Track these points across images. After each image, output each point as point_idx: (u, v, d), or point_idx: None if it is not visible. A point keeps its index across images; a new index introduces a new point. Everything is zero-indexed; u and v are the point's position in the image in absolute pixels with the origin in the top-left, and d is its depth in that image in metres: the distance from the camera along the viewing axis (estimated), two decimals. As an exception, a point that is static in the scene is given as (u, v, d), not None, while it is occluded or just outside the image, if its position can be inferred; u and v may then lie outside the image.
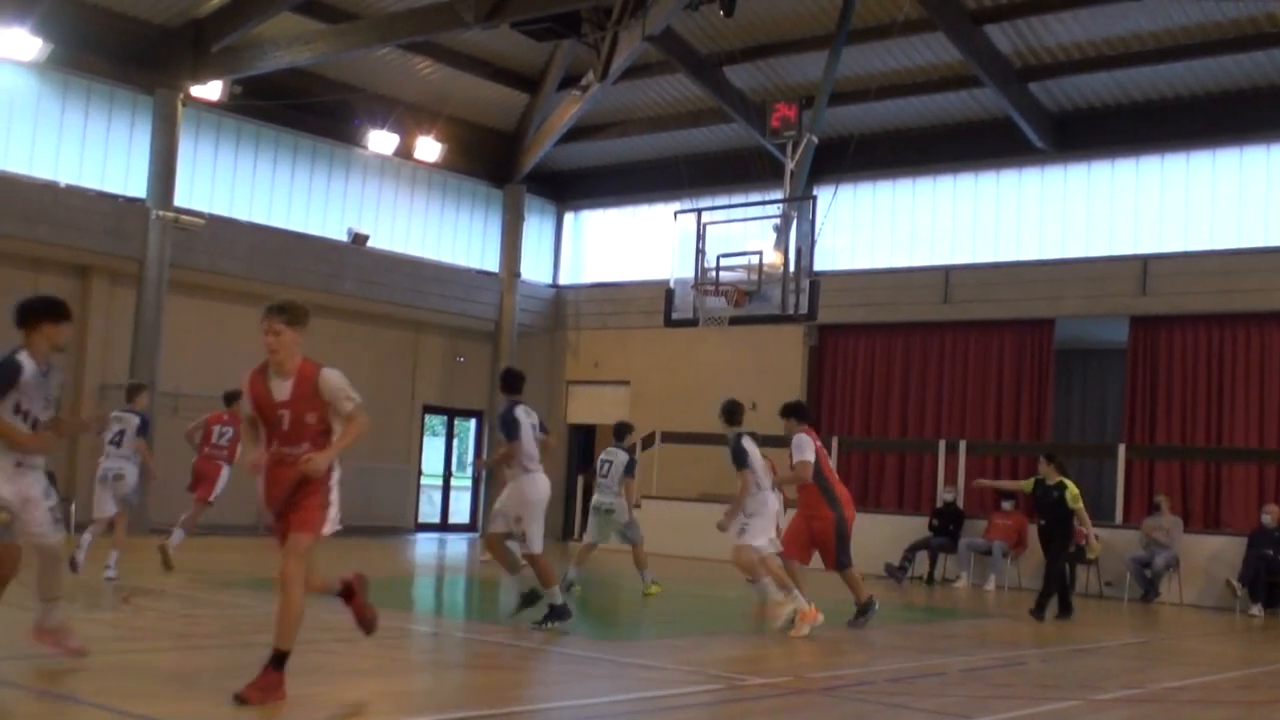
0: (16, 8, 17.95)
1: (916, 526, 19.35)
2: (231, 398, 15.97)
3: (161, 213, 19.69)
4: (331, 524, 6.74)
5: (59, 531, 7.13)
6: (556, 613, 9.98)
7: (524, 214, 25.90)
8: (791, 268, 16.86)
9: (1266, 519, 16.56)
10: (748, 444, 10.99)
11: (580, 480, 22.64)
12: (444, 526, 26.16)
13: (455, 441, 28.32)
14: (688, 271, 17.59)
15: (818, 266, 17.72)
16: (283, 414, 6.60)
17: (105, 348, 20.23)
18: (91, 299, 20.23)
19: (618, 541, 14.38)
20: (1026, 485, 14.73)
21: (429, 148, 23.34)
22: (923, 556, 18.80)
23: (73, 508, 18.77)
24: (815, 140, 19.32)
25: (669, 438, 22.32)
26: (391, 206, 24.23)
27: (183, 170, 20.36)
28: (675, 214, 18.53)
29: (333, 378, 6.64)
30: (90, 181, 19.81)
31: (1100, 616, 15.21)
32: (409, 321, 24.78)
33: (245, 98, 21.15)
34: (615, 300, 25.64)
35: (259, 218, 21.94)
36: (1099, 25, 19.15)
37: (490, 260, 25.73)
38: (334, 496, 6.74)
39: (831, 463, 12.77)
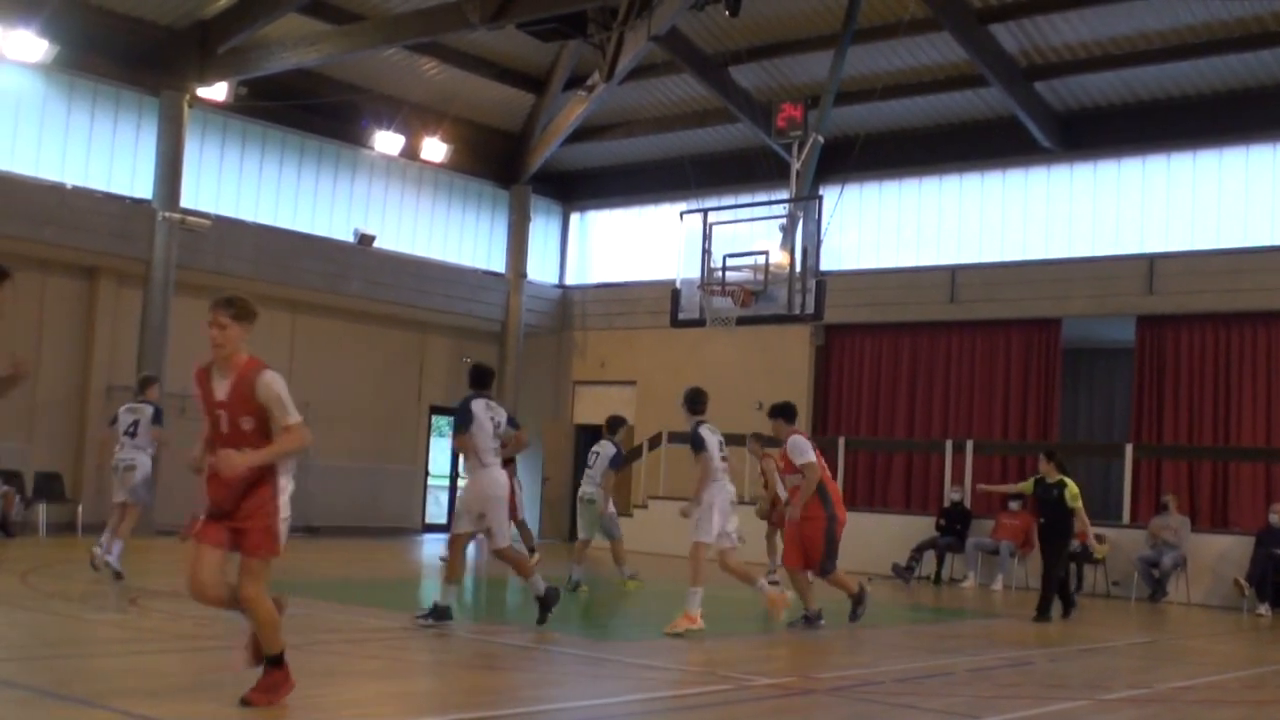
0: (23, 10, 17.98)
1: (923, 526, 19.33)
2: None
3: (168, 214, 19.72)
4: (282, 539, 6.31)
5: None
6: (439, 612, 9.88)
7: (530, 214, 25.92)
8: (798, 267, 16.88)
9: (1274, 518, 16.52)
10: (705, 431, 10.93)
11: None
12: (450, 527, 26.12)
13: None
14: (694, 271, 17.61)
15: (824, 266, 17.76)
16: (220, 414, 6.22)
17: (112, 349, 20.26)
18: (98, 300, 20.28)
19: (600, 537, 14.40)
20: (1026, 486, 14.71)
21: (435, 148, 23.34)
22: (930, 556, 18.79)
23: (79, 509, 18.85)
24: (821, 140, 19.33)
25: (675, 438, 22.26)
26: (398, 207, 24.25)
27: (189, 171, 20.39)
28: (681, 214, 18.55)
29: (272, 384, 6.16)
30: (97, 183, 19.84)
31: (1107, 616, 15.19)
32: (415, 322, 24.80)
33: (251, 99, 21.17)
34: (622, 300, 25.65)
35: (265, 219, 21.97)
36: (1105, 24, 19.13)
37: (496, 261, 25.74)
38: (284, 510, 6.28)
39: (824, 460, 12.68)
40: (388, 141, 22.81)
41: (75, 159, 19.69)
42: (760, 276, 17.04)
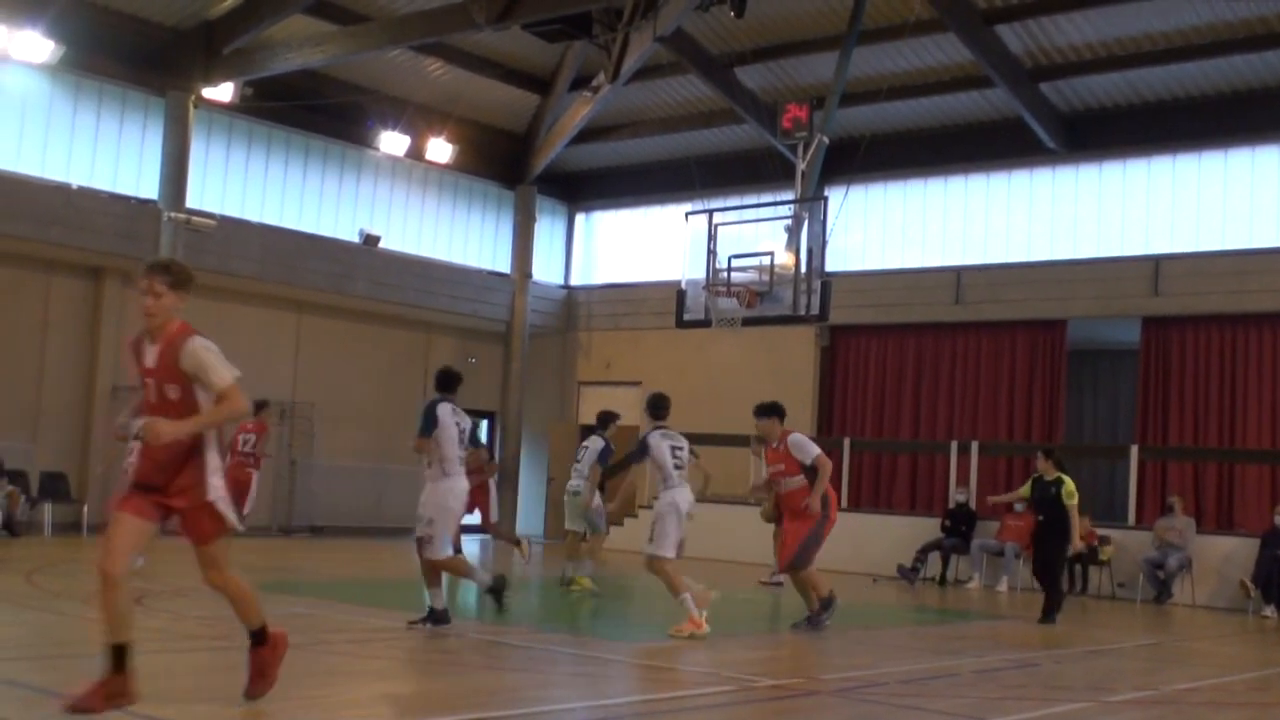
0: (29, 10, 18.00)
1: (929, 527, 19.32)
2: (259, 406, 15.97)
3: (173, 214, 19.73)
4: (229, 515, 6.01)
5: None
6: (435, 616, 9.82)
7: (535, 215, 25.94)
8: (803, 268, 16.87)
9: (1279, 519, 16.50)
10: (655, 438, 10.88)
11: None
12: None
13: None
14: (699, 272, 17.59)
15: (829, 267, 17.73)
16: (149, 382, 5.97)
17: (117, 349, 20.24)
18: (104, 300, 20.27)
19: (581, 528, 14.36)
20: (1025, 491, 14.64)
21: (440, 149, 23.35)
22: (935, 557, 18.79)
23: (84, 510, 18.87)
24: (826, 141, 19.34)
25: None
26: (403, 208, 24.27)
27: (194, 172, 20.42)
28: (686, 215, 18.53)
29: (198, 349, 5.85)
30: (102, 183, 19.87)
31: (1113, 618, 15.18)
32: (420, 322, 24.81)
33: (257, 99, 21.19)
34: (627, 301, 25.66)
35: (270, 219, 21.99)
36: (1110, 25, 19.12)
37: (502, 261, 25.75)
38: (217, 489, 5.96)
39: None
40: (393, 142, 22.82)
41: (81, 159, 19.72)
42: (765, 277, 17.02)
